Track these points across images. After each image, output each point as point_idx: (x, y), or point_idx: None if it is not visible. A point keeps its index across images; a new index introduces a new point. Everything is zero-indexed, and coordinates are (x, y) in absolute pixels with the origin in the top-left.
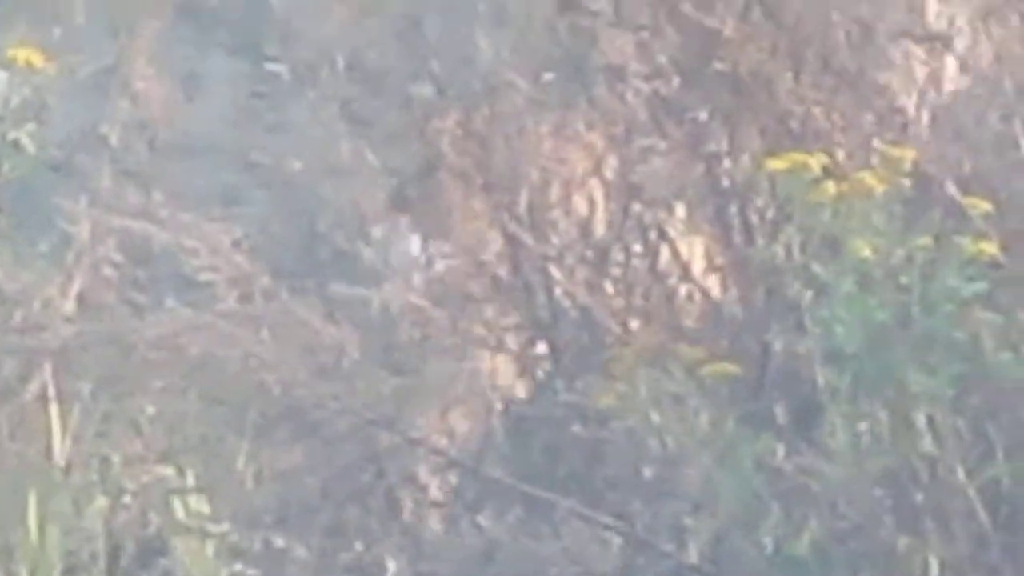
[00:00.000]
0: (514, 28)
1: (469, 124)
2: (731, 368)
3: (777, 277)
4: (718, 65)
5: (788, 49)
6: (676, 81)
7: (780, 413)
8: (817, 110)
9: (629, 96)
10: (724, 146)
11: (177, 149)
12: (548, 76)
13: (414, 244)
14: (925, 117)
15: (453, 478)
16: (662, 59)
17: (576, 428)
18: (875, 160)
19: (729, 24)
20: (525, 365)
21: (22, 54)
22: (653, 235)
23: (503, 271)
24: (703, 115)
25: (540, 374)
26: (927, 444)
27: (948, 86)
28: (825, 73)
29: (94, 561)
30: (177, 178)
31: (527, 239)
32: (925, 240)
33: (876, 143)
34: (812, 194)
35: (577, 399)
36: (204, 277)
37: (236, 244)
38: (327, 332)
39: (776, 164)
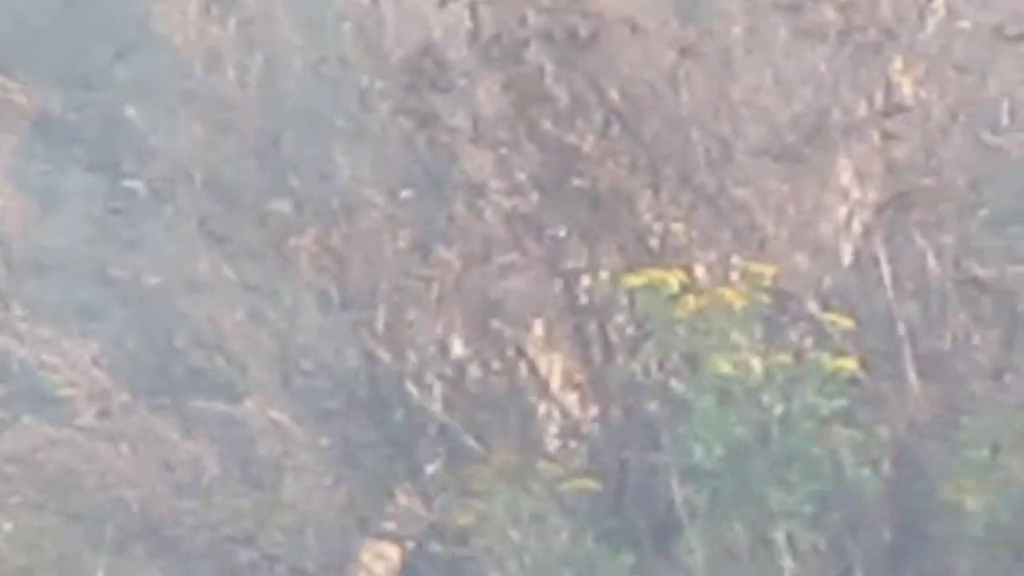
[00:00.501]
0: (372, 144)
1: (327, 240)
2: (590, 484)
3: (635, 394)
4: (577, 182)
5: (647, 166)
6: (535, 197)
7: (639, 530)
8: (676, 227)
9: (488, 213)
10: (583, 263)
11: (34, 265)
12: (406, 193)
13: None
14: (784, 234)
15: None
16: (521, 175)
17: (435, 546)
18: (734, 276)
19: (588, 141)
20: (383, 482)
21: None
22: (511, 352)
23: (360, 388)
24: (562, 232)
25: (399, 492)
26: (786, 561)
27: (808, 202)
28: (684, 190)
29: None
30: (34, 293)
31: (384, 356)
32: (784, 357)
33: (735, 259)
34: (670, 310)
35: (436, 517)
36: (62, 392)
37: (94, 360)
38: (185, 448)
39: (634, 280)
